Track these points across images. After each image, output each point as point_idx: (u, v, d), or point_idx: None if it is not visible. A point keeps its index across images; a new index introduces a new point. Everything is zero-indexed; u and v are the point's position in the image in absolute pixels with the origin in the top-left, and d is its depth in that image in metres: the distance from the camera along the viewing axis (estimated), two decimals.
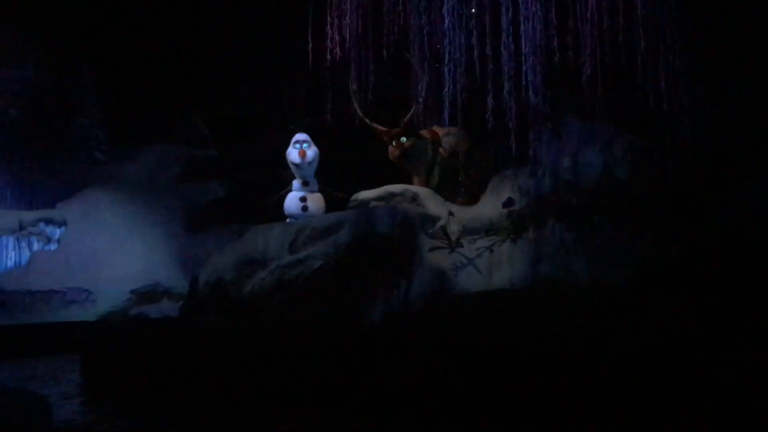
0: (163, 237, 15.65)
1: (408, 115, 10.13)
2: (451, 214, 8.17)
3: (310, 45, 10.10)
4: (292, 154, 9.81)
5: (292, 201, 9.66)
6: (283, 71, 16.86)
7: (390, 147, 10.21)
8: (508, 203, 8.39)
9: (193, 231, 16.45)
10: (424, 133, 10.56)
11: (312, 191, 9.79)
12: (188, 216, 16.91)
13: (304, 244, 8.29)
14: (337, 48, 9.81)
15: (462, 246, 7.69)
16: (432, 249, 7.71)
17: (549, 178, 8.14)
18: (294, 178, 10.29)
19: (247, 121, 18.19)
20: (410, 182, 10.15)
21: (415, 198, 9.16)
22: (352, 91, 10.28)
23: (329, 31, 10.10)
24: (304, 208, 9.56)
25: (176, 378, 7.32)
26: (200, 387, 7.08)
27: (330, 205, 9.98)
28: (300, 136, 10.00)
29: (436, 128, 10.68)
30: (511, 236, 7.76)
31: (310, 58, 10.09)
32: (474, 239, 7.80)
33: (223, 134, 19.16)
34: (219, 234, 15.60)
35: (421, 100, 10.16)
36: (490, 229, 8.04)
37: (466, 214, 8.39)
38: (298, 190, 9.76)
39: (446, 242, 7.87)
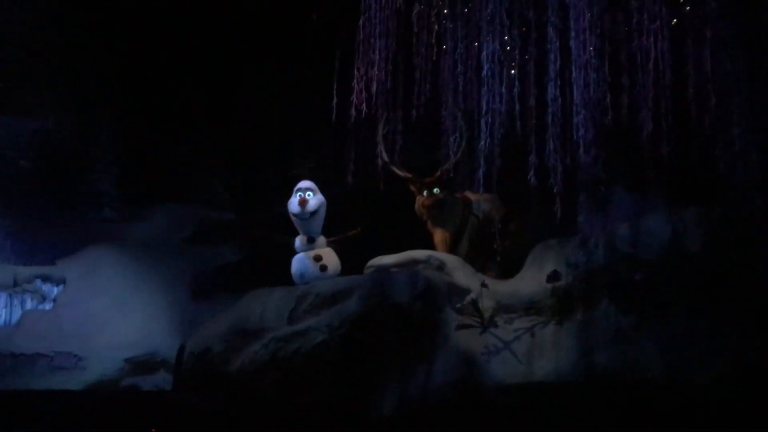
0: (166, 303, 14.46)
1: (446, 165, 9.07)
2: (484, 286, 6.83)
3: (335, 100, 9.12)
4: (292, 203, 8.48)
5: (302, 262, 8.22)
6: (307, 134, 16.00)
7: (419, 198, 9.17)
8: (553, 277, 7.02)
9: (201, 298, 15.25)
10: (457, 195, 9.43)
11: (320, 248, 8.44)
12: (196, 282, 15.77)
13: (306, 313, 6.97)
14: (363, 103, 8.83)
15: (496, 326, 6.33)
16: (460, 327, 6.37)
17: (603, 249, 6.80)
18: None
19: (268, 185, 17.29)
20: (432, 247, 8.99)
21: (441, 267, 7.85)
22: (379, 136, 9.28)
23: (356, 84, 9.12)
24: (323, 268, 8.14)
25: None
26: None
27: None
28: (303, 183, 8.69)
29: (468, 193, 9.54)
30: (557, 317, 6.40)
31: (334, 114, 9.12)
32: (511, 318, 6.44)
33: (242, 197, 18.22)
34: (227, 302, 14.38)
35: (457, 154, 9.07)
36: (530, 307, 6.68)
37: (502, 288, 7.05)
38: (303, 248, 8.39)
39: (477, 320, 6.51)
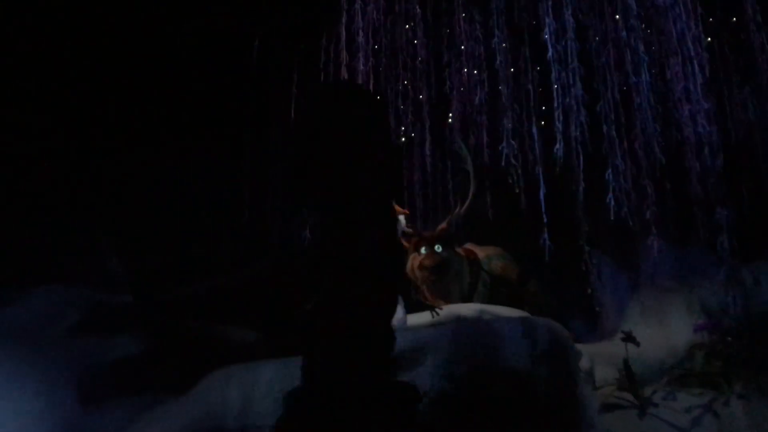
0: (47, 407, 11.47)
1: (450, 217, 7.06)
2: (631, 340, 4.67)
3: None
4: None
5: None
6: (229, 199, 13.69)
7: (415, 256, 7.16)
8: (629, 338, 5.08)
9: (91, 402, 12.19)
10: (459, 251, 7.34)
11: None
12: (84, 381, 12.69)
13: None
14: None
15: (655, 404, 4.16)
16: (607, 407, 4.13)
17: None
18: None
19: (177, 262, 14.67)
20: None
21: None
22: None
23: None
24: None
25: None
26: None
27: None
28: None
29: (471, 246, 7.51)
30: (727, 386, 4.34)
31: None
32: (667, 392, 4.29)
33: (144, 276, 15.33)
34: (128, 407, 11.68)
35: (466, 202, 7.09)
36: (672, 375, 4.62)
37: (600, 351, 4.95)
38: None
39: (631, 396, 4.28)
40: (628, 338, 5.52)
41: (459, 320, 5.57)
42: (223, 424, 4.43)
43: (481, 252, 7.92)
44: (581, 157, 6.16)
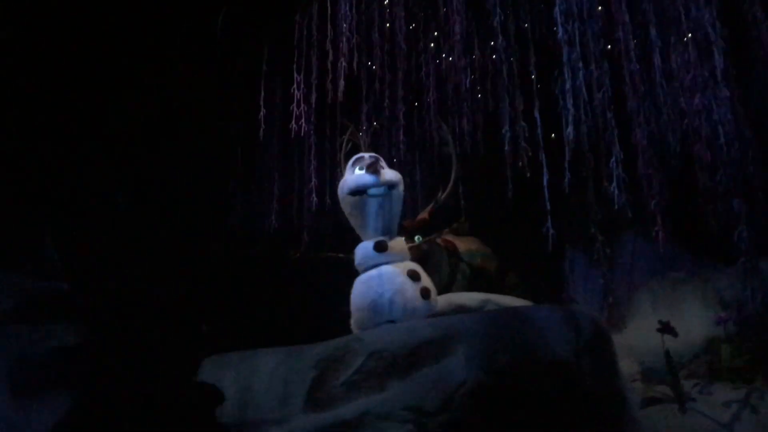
0: None
1: (430, 206, 6.80)
2: (668, 331, 4.47)
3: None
4: (356, 177, 5.57)
5: (394, 283, 5.19)
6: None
7: None
8: (667, 329, 4.94)
9: (24, 393, 11.44)
10: (439, 241, 7.09)
11: (399, 258, 5.52)
12: (18, 371, 11.91)
13: (352, 387, 4.05)
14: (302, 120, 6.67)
15: (693, 399, 3.96)
16: (649, 402, 3.89)
17: None
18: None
19: (115, 249, 13.92)
20: None
21: None
22: (341, 155, 6.98)
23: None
24: (425, 293, 5.20)
25: None
26: None
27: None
28: (363, 154, 5.95)
29: (451, 237, 7.25)
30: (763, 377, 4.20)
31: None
32: (704, 385, 4.10)
33: (80, 263, 14.54)
34: (66, 399, 10.96)
35: (447, 188, 6.83)
36: (691, 368, 4.43)
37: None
38: (374, 260, 5.40)
39: (672, 386, 4.07)
40: (666, 329, 5.23)
41: (488, 307, 5.27)
42: (217, 419, 3.96)
43: (460, 243, 7.68)
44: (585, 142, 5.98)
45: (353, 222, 5.91)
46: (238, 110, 8.16)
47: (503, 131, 6.33)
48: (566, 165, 6.33)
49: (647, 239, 6.76)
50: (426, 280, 5.43)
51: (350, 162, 6.10)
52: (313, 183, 7.27)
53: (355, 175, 5.79)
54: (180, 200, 12.31)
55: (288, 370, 4.25)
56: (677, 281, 5.75)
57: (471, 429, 3.72)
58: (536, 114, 6.29)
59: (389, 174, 5.98)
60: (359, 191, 5.69)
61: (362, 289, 5.46)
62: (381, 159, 6.15)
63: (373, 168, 5.58)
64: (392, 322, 5.18)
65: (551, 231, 5.78)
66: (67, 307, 13.98)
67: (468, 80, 7.00)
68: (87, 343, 13.36)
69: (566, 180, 6.36)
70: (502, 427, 3.70)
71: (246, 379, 4.22)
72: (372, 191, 5.67)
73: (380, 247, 5.71)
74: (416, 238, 7.23)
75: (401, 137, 7.54)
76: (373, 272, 5.48)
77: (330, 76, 7.08)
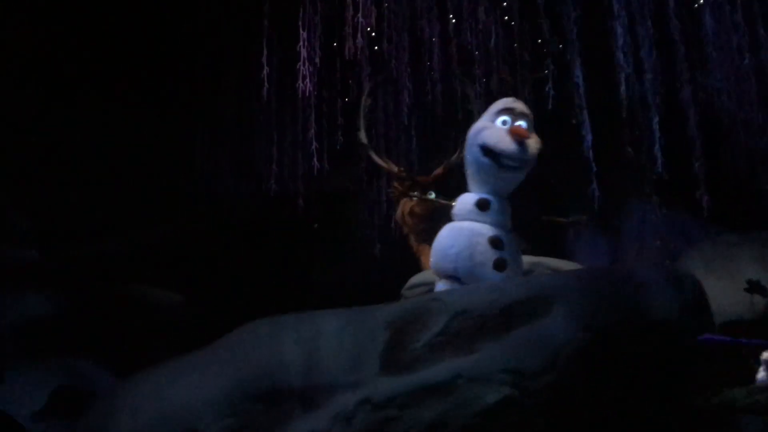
0: None
1: (447, 162, 6.57)
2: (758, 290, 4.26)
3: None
4: (497, 137, 5.08)
5: (471, 242, 4.84)
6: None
7: (405, 202, 6.76)
8: (756, 287, 4.70)
9: None
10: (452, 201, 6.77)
11: (505, 231, 5.17)
12: None
13: (436, 348, 3.68)
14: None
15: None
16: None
17: None
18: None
19: (88, 216, 13.31)
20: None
21: None
22: (363, 107, 6.65)
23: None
24: (499, 263, 4.87)
25: None
26: None
27: None
28: (511, 103, 5.42)
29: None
30: None
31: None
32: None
33: (52, 231, 13.88)
34: (43, 373, 10.35)
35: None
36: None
37: None
38: (471, 212, 5.04)
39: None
40: (755, 287, 4.87)
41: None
42: (280, 379, 3.55)
43: None
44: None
45: (467, 168, 5.43)
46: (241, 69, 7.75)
47: (546, 89, 6.06)
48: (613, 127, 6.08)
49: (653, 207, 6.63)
50: (510, 253, 5.01)
51: (495, 106, 5.41)
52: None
53: (497, 131, 5.08)
54: (159, 165, 11.71)
55: (355, 332, 3.88)
56: (730, 243, 5.60)
57: (576, 389, 3.45)
58: (578, 75, 6.03)
59: (533, 148, 5.26)
60: (493, 154, 5.10)
61: (443, 234, 5.15)
62: (531, 120, 5.43)
63: (520, 135, 4.99)
64: (457, 279, 4.87)
65: (597, 192, 5.54)
66: (38, 275, 13.37)
67: (496, 39, 6.73)
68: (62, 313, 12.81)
69: (588, 142, 6.14)
70: (607, 387, 3.45)
71: (310, 341, 3.83)
72: (507, 162, 5.11)
73: (482, 205, 5.29)
74: (430, 194, 6.94)
75: (425, 93, 7.20)
76: (463, 225, 5.12)
77: (346, 30, 6.72)
